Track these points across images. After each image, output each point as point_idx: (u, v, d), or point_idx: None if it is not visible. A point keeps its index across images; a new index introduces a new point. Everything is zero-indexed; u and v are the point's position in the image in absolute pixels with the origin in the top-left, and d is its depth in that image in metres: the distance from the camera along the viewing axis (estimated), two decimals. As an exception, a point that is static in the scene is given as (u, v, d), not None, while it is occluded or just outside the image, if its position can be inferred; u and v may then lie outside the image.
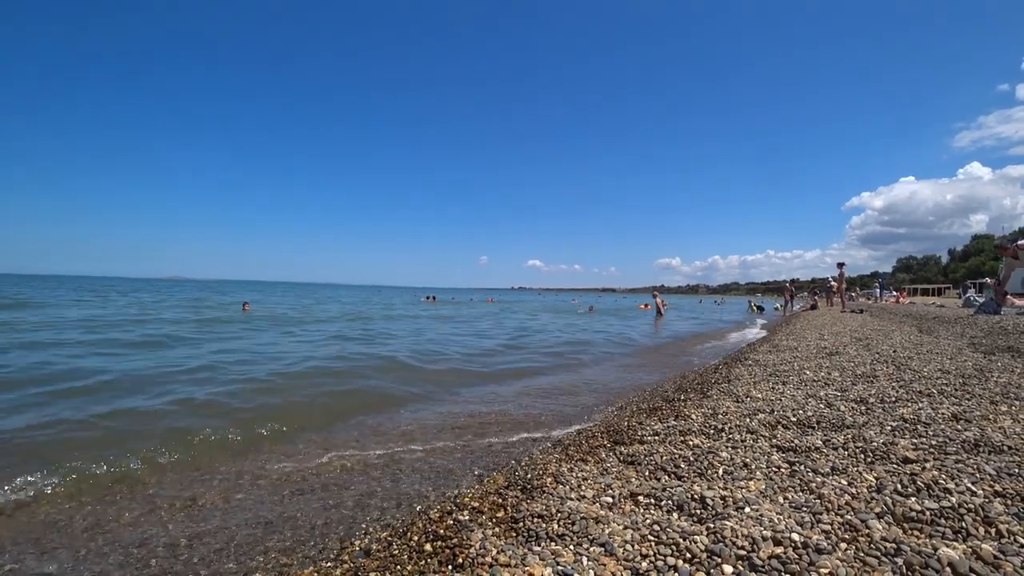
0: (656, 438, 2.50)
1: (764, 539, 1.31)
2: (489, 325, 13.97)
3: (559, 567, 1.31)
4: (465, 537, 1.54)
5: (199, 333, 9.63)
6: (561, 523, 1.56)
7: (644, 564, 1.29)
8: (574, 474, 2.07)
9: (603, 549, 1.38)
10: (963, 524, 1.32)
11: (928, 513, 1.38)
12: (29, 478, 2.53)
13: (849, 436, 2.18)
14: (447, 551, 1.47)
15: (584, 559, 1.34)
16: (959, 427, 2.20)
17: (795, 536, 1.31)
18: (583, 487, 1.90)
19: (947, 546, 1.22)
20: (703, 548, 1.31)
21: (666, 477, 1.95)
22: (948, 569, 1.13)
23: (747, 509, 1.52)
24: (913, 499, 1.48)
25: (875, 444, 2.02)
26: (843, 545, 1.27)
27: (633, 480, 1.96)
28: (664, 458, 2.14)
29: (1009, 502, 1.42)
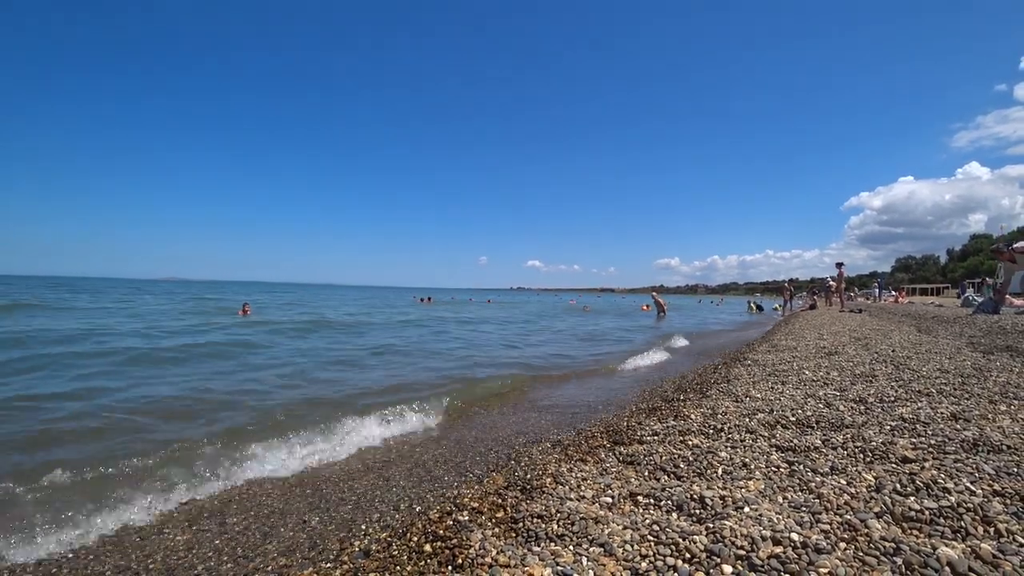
0: (655, 438, 2.50)
1: (763, 539, 1.31)
2: (564, 327, 14.32)
3: (558, 567, 1.31)
4: (465, 538, 1.54)
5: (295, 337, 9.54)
6: (560, 523, 1.56)
7: (643, 564, 1.29)
8: (573, 474, 2.07)
9: (602, 549, 1.38)
10: (962, 523, 1.33)
11: (927, 512, 1.39)
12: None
13: (848, 436, 2.18)
14: (447, 552, 1.47)
15: (583, 559, 1.34)
16: (958, 426, 2.20)
17: (794, 536, 1.31)
18: (582, 487, 1.90)
19: (946, 545, 1.22)
20: (702, 548, 1.31)
21: (665, 477, 1.95)
22: (947, 568, 1.14)
23: (746, 509, 1.52)
24: (912, 498, 1.48)
25: (874, 444, 2.03)
26: (842, 545, 1.27)
27: (632, 480, 1.96)
28: (663, 458, 2.14)
29: (1008, 501, 1.42)
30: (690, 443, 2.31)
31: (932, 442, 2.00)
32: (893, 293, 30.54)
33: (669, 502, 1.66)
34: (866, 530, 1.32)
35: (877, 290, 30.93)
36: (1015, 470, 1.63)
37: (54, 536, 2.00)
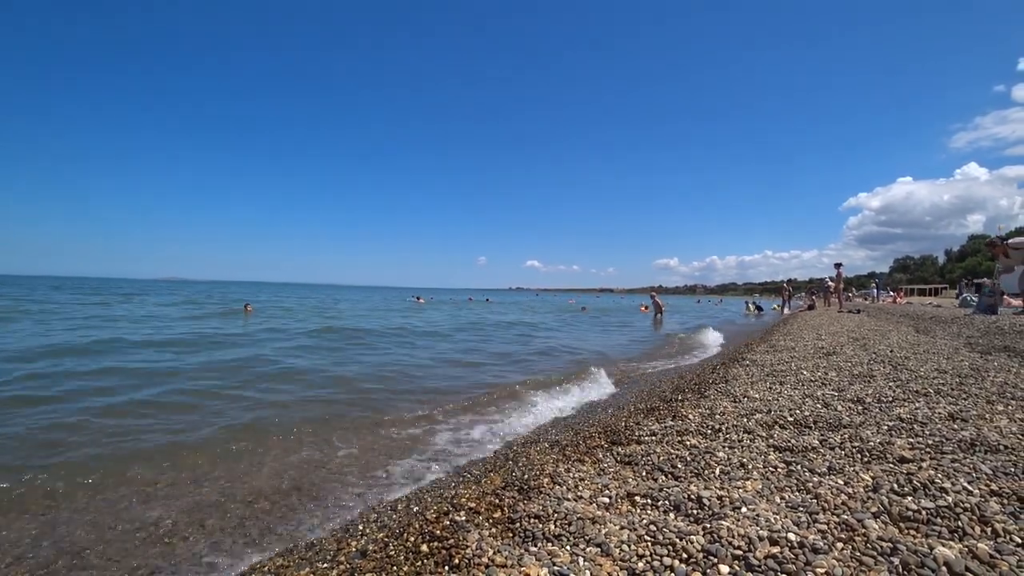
0: (653, 438, 2.50)
1: (760, 539, 1.31)
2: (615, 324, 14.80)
3: (555, 567, 1.30)
4: (461, 538, 1.53)
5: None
6: (558, 523, 1.56)
7: (640, 564, 1.29)
8: (571, 474, 2.06)
9: (599, 549, 1.38)
10: (959, 523, 1.32)
11: (924, 512, 1.38)
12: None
13: (846, 436, 2.18)
14: (443, 552, 1.47)
15: (580, 559, 1.34)
16: (955, 427, 2.20)
17: (791, 536, 1.30)
18: (580, 487, 1.89)
19: (943, 545, 1.22)
20: (699, 548, 1.31)
21: (663, 477, 1.95)
22: (944, 568, 1.13)
23: (744, 509, 1.52)
24: (909, 498, 1.48)
25: (872, 444, 2.02)
26: (839, 545, 1.27)
27: (630, 480, 1.95)
28: (661, 458, 2.14)
29: (1005, 501, 1.42)
30: (688, 443, 2.31)
31: (929, 442, 2.00)
32: (891, 293, 30.60)
33: (666, 502, 1.66)
34: (863, 530, 1.32)
35: (875, 290, 30.98)
36: (1012, 470, 1.63)
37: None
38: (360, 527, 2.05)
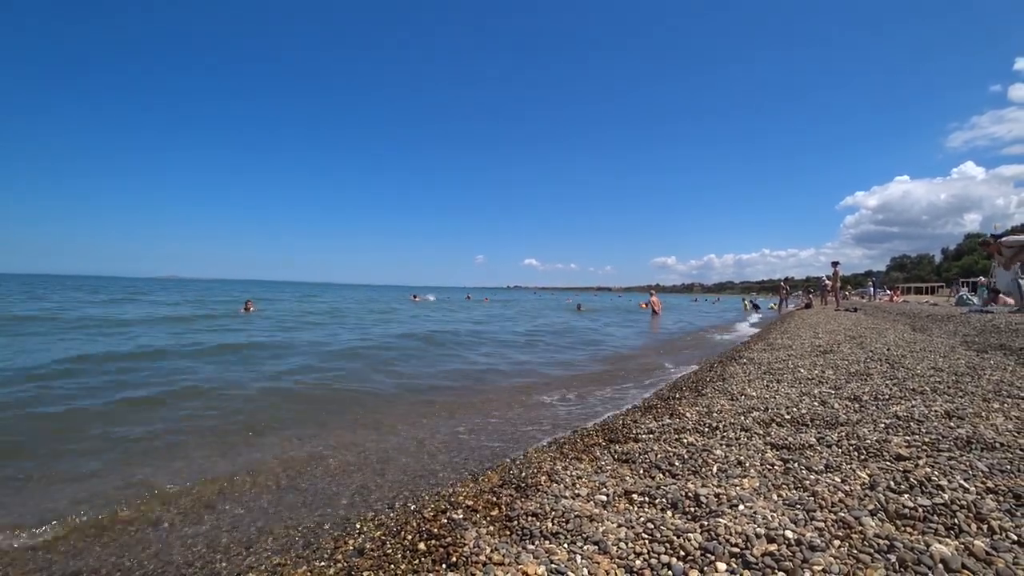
0: (651, 436, 2.50)
1: (758, 536, 1.31)
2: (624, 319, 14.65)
3: (553, 565, 1.30)
4: (459, 536, 1.53)
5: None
6: (555, 521, 1.56)
7: (638, 562, 1.29)
8: (569, 472, 2.06)
9: (597, 547, 1.38)
10: (956, 521, 1.33)
11: (921, 510, 1.39)
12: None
13: (843, 434, 2.18)
14: (441, 550, 1.46)
15: (578, 557, 1.34)
16: (952, 424, 2.21)
17: (789, 533, 1.31)
18: (578, 485, 1.89)
19: (940, 542, 1.22)
20: (697, 546, 1.31)
21: (660, 475, 1.95)
22: (940, 565, 1.14)
23: (741, 507, 1.52)
24: (906, 496, 1.48)
25: (868, 441, 2.03)
26: (836, 542, 1.27)
27: (628, 478, 1.95)
28: (659, 456, 2.14)
29: (1001, 498, 1.43)
30: (685, 441, 2.31)
31: (926, 440, 2.00)
32: (888, 292, 30.71)
33: (664, 500, 1.66)
34: (860, 527, 1.32)
35: (872, 289, 31.08)
36: (1008, 467, 1.63)
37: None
38: (357, 525, 2.04)
